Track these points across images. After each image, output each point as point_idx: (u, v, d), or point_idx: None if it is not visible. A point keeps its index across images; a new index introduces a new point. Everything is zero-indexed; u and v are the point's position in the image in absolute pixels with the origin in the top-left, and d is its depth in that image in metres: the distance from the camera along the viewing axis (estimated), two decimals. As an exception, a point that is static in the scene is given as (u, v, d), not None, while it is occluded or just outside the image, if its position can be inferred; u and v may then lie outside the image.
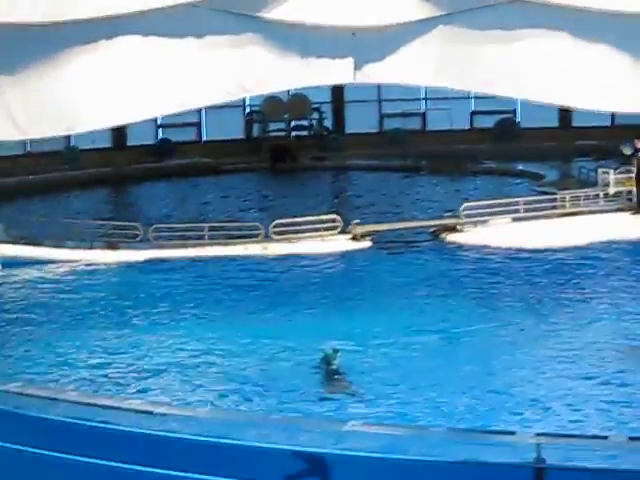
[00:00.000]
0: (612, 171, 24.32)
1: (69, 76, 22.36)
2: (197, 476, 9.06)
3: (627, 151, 24.02)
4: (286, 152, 32.91)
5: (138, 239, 22.02)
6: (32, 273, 19.92)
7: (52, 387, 13.20)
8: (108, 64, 22.22)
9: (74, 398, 10.51)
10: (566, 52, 23.18)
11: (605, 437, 10.12)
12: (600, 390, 13.39)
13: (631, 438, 9.86)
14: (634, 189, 23.95)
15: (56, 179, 29.47)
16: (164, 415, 9.77)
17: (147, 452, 9.23)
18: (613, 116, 33.43)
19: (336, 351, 14.13)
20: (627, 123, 32.27)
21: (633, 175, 23.96)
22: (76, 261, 20.62)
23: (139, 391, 13.66)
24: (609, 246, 20.79)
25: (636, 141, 23.84)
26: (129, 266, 20.42)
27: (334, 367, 13.97)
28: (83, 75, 22.31)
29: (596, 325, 16.14)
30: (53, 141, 27.49)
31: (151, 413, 9.80)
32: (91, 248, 21.78)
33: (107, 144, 32.28)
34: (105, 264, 20.54)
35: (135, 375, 14.37)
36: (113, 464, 9.23)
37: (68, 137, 31.22)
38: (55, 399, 10.18)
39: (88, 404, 10.10)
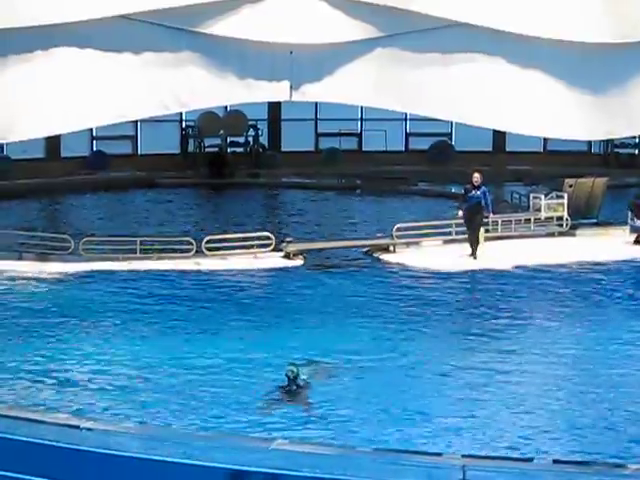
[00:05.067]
0: (543, 196, 24.62)
1: (4, 85, 22.13)
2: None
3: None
4: (223, 167, 32.88)
5: (69, 251, 21.84)
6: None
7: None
8: (45, 74, 22.02)
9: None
10: (500, 76, 23.45)
11: (531, 460, 10.22)
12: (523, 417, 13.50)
13: (555, 461, 9.98)
14: (565, 214, 24.28)
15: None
16: (90, 430, 9.67)
17: (73, 467, 9.12)
18: (545, 142, 33.93)
19: (295, 366, 14.11)
20: (558, 149, 32.88)
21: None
22: (3, 272, 20.38)
23: (65, 405, 13.50)
24: (540, 270, 21.01)
25: (476, 176, 21.98)
26: (59, 278, 20.21)
27: (300, 381, 13.97)
28: (19, 84, 22.09)
29: (526, 349, 16.23)
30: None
31: (78, 427, 9.70)
32: (20, 259, 21.57)
33: (40, 154, 31.99)
34: (34, 276, 20.31)
35: (61, 388, 14.20)
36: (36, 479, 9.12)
37: (0, 146, 30.94)
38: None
39: (11, 417, 9.96)
